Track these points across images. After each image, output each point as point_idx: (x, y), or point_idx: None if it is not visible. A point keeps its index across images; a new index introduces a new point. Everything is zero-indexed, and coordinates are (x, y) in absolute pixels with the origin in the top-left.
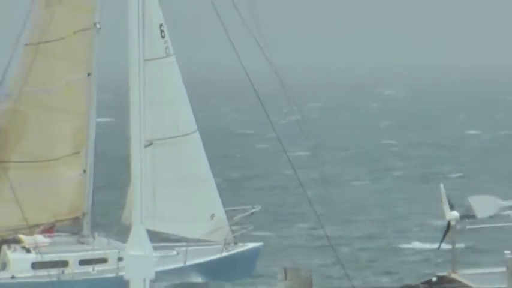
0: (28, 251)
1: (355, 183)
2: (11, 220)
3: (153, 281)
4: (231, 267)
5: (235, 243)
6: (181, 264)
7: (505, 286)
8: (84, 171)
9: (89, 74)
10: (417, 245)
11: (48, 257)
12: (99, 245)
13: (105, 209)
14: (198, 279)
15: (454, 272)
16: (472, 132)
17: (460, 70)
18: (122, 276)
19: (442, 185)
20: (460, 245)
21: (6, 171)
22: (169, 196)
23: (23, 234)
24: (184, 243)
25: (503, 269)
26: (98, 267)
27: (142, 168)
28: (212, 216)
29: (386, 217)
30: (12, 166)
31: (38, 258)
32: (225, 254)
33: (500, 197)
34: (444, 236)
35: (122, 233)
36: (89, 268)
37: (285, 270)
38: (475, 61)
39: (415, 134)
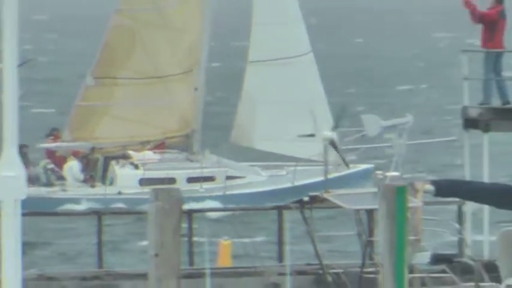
0: (136, 167)
1: None
2: (120, 136)
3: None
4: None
5: (347, 165)
6: (288, 185)
7: (376, 206)
8: (196, 88)
9: None
10: None
11: (155, 174)
12: (208, 163)
13: (215, 127)
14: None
15: (326, 191)
16: None
17: None
18: (229, 195)
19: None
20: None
21: (115, 87)
22: (276, 116)
23: (133, 150)
24: (294, 163)
25: (375, 189)
26: (206, 185)
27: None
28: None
29: None
30: (122, 82)
31: (145, 174)
32: (335, 175)
33: None
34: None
35: (232, 151)
36: (196, 186)
37: (155, 190)
38: None
39: None
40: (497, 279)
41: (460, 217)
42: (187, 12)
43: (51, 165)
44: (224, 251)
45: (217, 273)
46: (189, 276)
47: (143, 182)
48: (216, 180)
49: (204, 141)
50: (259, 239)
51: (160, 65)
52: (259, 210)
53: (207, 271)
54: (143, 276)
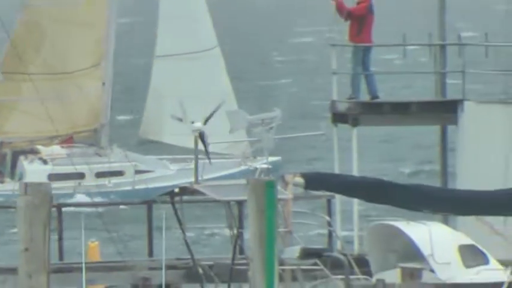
0: (45, 162)
1: None
2: (28, 131)
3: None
4: None
5: (254, 157)
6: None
7: (245, 198)
8: (104, 83)
9: None
10: None
11: (64, 169)
12: (116, 158)
13: (122, 121)
14: None
15: (197, 182)
16: None
17: None
18: (138, 190)
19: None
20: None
21: (24, 83)
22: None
23: (41, 145)
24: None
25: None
26: (114, 180)
27: None
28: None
29: None
30: (31, 78)
31: (54, 169)
32: (243, 167)
33: None
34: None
35: (139, 145)
36: (105, 181)
37: (25, 184)
38: None
39: None
40: (368, 273)
41: (329, 211)
42: (94, 7)
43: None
44: (92, 252)
45: (87, 268)
46: (59, 270)
47: (52, 177)
48: (125, 174)
49: (112, 135)
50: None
51: (68, 60)
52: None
53: (82, 266)
54: (13, 270)
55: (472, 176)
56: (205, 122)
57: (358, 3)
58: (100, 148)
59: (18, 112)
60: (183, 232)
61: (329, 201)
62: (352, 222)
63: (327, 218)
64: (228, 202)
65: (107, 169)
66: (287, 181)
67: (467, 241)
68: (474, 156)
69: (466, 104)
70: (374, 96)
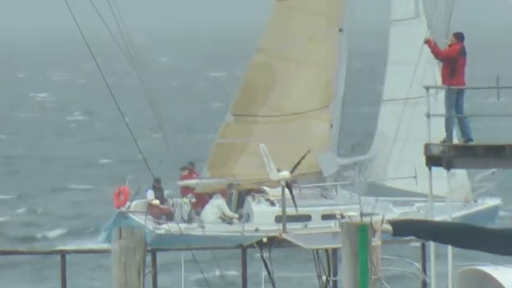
0: (272, 203)
1: None
2: (256, 173)
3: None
4: None
5: (475, 201)
6: None
7: (335, 245)
8: (331, 125)
9: (340, 30)
10: None
11: (291, 211)
12: (341, 200)
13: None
14: None
15: (284, 231)
16: None
17: None
18: None
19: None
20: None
21: (254, 125)
22: (407, 153)
23: (268, 186)
24: (424, 199)
25: (337, 229)
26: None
27: None
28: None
29: None
30: (261, 120)
31: (281, 211)
32: (465, 211)
33: None
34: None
35: (364, 187)
36: (331, 223)
37: (120, 229)
38: None
39: None
40: None
41: (423, 256)
42: (325, 49)
43: (194, 200)
44: None
45: None
46: None
47: (279, 218)
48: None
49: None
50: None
51: (297, 101)
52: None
53: None
54: None
55: None
56: (293, 170)
57: (450, 46)
58: (325, 190)
59: (248, 154)
60: (272, 281)
61: (423, 246)
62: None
63: (418, 265)
64: (316, 250)
65: (333, 211)
66: (375, 228)
67: None
68: None
69: None
70: (468, 139)
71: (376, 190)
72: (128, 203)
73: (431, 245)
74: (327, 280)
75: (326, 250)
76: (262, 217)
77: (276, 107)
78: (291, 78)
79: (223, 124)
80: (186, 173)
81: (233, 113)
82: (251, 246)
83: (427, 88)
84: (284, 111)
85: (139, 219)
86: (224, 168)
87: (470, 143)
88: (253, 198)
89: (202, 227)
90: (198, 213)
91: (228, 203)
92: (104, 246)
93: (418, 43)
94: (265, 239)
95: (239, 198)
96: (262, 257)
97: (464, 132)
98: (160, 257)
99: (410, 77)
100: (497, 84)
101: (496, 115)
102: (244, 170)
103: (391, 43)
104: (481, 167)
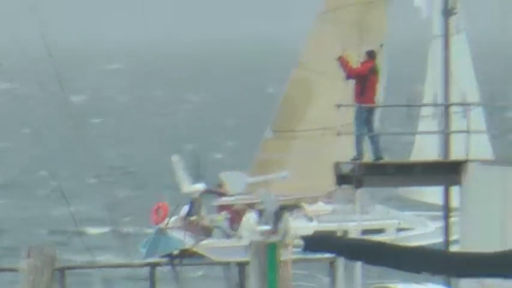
0: (310, 219)
1: None
2: (296, 188)
3: None
4: None
5: None
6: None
7: (244, 259)
8: None
9: (381, 45)
10: None
11: (329, 226)
12: (378, 215)
13: None
14: None
15: (196, 245)
16: None
17: None
18: None
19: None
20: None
21: (294, 140)
22: None
23: (305, 202)
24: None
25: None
26: (376, 238)
27: None
28: None
29: None
30: (300, 135)
31: (319, 226)
32: None
33: None
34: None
35: (386, 201)
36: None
37: (29, 248)
38: None
39: None
40: None
41: (333, 273)
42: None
43: (229, 215)
44: None
45: None
46: None
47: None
48: (386, 231)
49: (371, 192)
50: None
51: (333, 115)
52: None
53: None
54: None
55: (473, 238)
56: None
57: (361, 64)
58: (363, 204)
59: (286, 170)
60: None
61: (332, 264)
62: (354, 284)
63: (328, 279)
64: (228, 264)
65: (369, 226)
66: (287, 243)
67: None
68: (476, 218)
69: (470, 165)
70: (378, 157)
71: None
72: (166, 219)
73: (341, 262)
74: None
75: (238, 264)
76: (301, 233)
77: (313, 121)
78: (327, 92)
79: (263, 140)
80: (220, 188)
81: (273, 129)
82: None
83: (338, 106)
84: (320, 125)
85: (179, 235)
86: (264, 183)
87: (380, 162)
88: (291, 214)
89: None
90: (236, 229)
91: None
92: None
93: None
94: (176, 251)
95: (276, 214)
96: (173, 269)
97: (375, 150)
98: None
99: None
100: (410, 102)
101: (406, 133)
102: (282, 186)
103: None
104: (391, 185)
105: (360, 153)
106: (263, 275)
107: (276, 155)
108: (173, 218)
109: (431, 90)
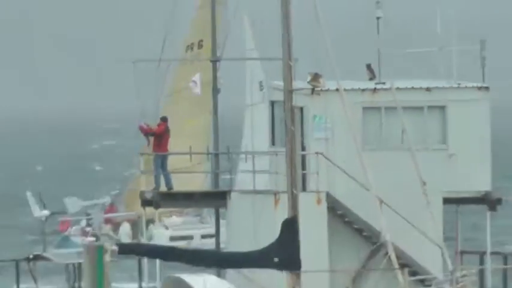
0: (166, 228)
1: None
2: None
3: None
4: None
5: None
6: None
7: (79, 261)
8: None
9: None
10: None
11: (179, 233)
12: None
13: None
14: None
15: (45, 251)
16: None
17: None
18: None
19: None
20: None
21: None
22: None
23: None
24: None
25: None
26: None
27: None
28: None
29: None
30: None
31: (173, 233)
32: None
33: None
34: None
35: None
36: (208, 241)
37: None
38: None
39: None
40: None
41: (139, 270)
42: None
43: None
44: None
45: None
46: None
47: (172, 238)
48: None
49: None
50: None
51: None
52: None
53: None
54: None
55: (235, 242)
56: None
57: (158, 125)
58: (203, 218)
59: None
60: None
61: (139, 262)
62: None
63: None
64: (66, 265)
65: (208, 232)
66: (105, 248)
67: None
68: (236, 229)
69: (232, 194)
70: (169, 187)
71: None
72: (69, 229)
73: (145, 261)
74: None
75: (74, 265)
76: (160, 238)
77: None
78: None
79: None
80: (108, 207)
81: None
82: (24, 260)
83: (141, 154)
84: None
85: (78, 239)
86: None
87: (172, 191)
88: (153, 225)
89: None
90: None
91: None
92: None
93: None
94: (31, 256)
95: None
96: (30, 271)
97: (167, 183)
98: None
99: None
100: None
101: (183, 172)
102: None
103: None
104: (180, 206)
105: (158, 186)
106: (94, 269)
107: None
108: (74, 228)
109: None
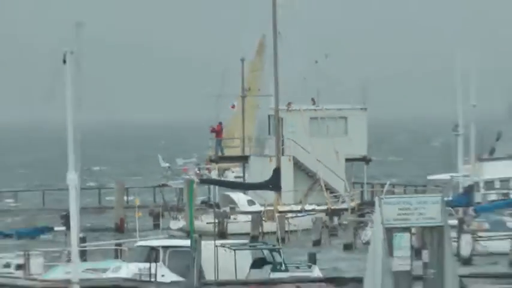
0: (232, 172)
1: None
2: None
3: None
4: None
5: None
6: None
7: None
8: None
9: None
10: None
11: (234, 175)
12: None
13: None
14: None
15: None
16: None
17: None
18: None
19: (159, 155)
20: None
21: None
22: None
23: None
24: None
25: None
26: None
27: None
28: None
29: None
30: None
31: (233, 175)
32: None
33: None
34: None
35: None
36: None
37: None
38: None
39: None
40: None
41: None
42: None
43: None
44: None
45: None
46: None
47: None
48: None
49: None
50: None
51: None
52: None
53: None
54: None
55: (251, 179)
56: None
57: (217, 125)
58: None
59: None
60: None
61: None
62: None
63: None
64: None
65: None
66: (194, 180)
67: None
68: (252, 174)
69: (251, 157)
70: (222, 153)
71: None
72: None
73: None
74: None
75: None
76: (229, 177)
77: None
78: None
79: None
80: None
81: None
82: (157, 186)
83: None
84: None
85: None
86: None
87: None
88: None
89: None
90: None
91: None
92: None
93: None
94: (161, 184)
95: None
96: (160, 191)
97: (221, 151)
98: None
99: None
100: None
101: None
102: None
103: None
104: (227, 163)
105: (217, 152)
106: (187, 192)
107: None
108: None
109: None
